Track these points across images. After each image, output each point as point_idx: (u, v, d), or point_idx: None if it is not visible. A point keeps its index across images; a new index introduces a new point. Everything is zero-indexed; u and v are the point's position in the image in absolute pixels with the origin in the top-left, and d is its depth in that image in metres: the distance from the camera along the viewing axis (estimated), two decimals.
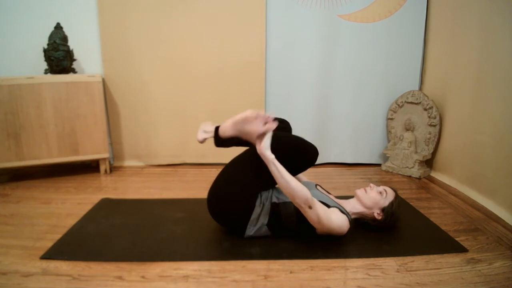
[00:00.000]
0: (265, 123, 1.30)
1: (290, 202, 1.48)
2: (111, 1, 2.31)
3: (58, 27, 2.23)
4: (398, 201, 1.55)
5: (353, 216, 1.54)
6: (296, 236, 1.48)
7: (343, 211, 1.47)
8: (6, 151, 2.08)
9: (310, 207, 1.33)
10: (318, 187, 1.63)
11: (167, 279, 1.23)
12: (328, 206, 1.45)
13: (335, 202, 1.52)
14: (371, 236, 1.53)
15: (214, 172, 2.41)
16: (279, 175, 1.32)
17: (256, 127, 1.31)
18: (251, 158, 1.42)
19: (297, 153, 1.45)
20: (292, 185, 1.31)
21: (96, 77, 2.24)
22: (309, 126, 2.57)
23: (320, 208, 1.35)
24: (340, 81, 2.53)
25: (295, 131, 2.53)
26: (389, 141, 2.61)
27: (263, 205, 1.44)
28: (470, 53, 2.09)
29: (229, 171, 1.52)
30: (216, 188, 1.50)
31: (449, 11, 2.29)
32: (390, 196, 1.54)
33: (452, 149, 2.26)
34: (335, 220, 1.39)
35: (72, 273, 1.24)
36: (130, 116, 2.49)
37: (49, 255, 1.35)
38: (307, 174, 2.48)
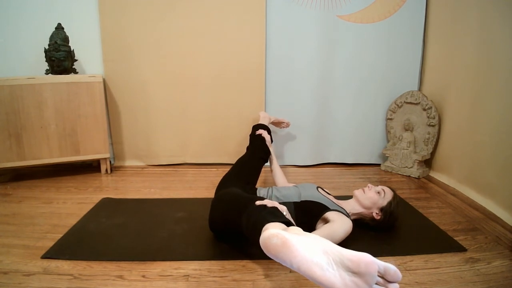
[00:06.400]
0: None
1: (290, 202, 1.49)
2: (112, 2, 2.32)
3: (59, 27, 2.23)
4: (397, 201, 1.56)
5: (352, 217, 1.54)
6: None
7: (343, 213, 1.48)
8: (8, 151, 2.09)
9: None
10: (319, 189, 1.63)
11: (168, 278, 1.23)
12: (328, 209, 1.46)
13: (335, 204, 1.52)
14: (370, 235, 1.53)
15: (214, 172, 2.46)
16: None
17: None
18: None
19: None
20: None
21: (97, 77, 2.25)
22: (309, 126, 2.58)
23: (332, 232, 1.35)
24: (339, 81, 2.54)
25: (296, 131, 2.57)
26: (388, 141, 2.61)
27: None
28: (469, 53, 2.09)
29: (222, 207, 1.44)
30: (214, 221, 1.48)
31: (448, 12, 2.29)
32: (388, 195, 1.54)
33: (451, 149, 2.27)
34: (341, 233, 1.38)
35: (73, 272, 1.25)
36: (130, 116, 2.50)
37: (50, 254, 1.35)
38: (307, 174, 2.52)
